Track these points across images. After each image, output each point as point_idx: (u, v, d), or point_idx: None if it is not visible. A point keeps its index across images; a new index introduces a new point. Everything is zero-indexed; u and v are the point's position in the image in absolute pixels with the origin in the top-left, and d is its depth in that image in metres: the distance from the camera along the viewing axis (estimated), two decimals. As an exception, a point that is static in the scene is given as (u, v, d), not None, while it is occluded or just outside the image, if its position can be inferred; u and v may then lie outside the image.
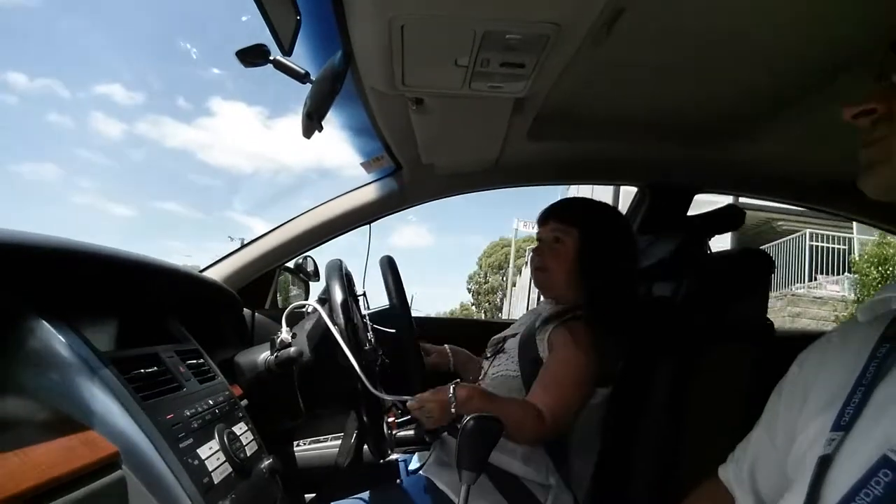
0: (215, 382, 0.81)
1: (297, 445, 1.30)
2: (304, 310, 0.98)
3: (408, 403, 0.84)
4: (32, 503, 0.44)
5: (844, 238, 7.39)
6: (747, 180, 1.29)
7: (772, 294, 7.09)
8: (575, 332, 0.89)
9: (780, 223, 8.15)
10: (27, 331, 0.56)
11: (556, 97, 0.85)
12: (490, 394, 0.86)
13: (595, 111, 1.02)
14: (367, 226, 1.29)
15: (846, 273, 6.96)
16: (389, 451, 0.88)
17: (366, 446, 0.89)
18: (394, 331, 1.00)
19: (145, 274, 0.82)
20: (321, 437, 1.33)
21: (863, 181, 0.44)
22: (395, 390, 0.86)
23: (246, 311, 1.25)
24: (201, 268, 1.25)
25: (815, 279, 7.24)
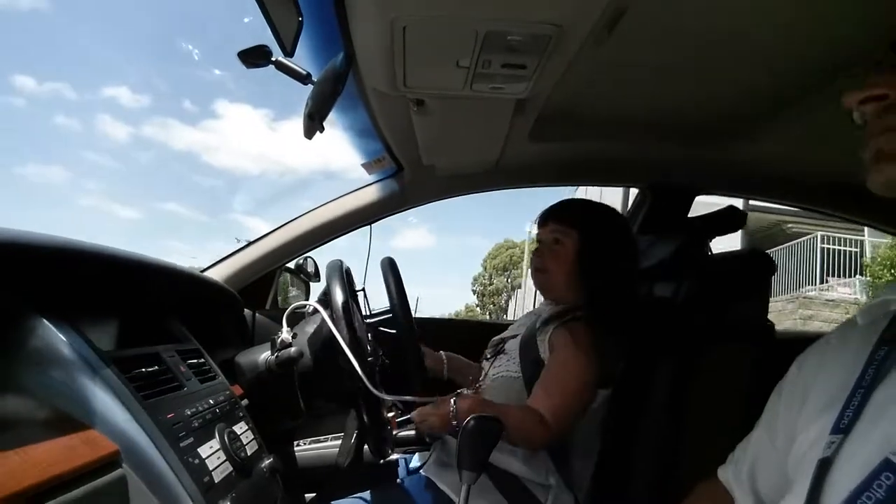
0: (216, 382, 0.81)
1: (298, 445, 1.30)
2: (304, 310, 0.98)
3: (411, 415, 0.84)
4: (33, 501, 0.44)
5: (855, 241, 7.33)
6: (748, 181, 1.29)
7: (783, 297, 7.05)
8: (575, 334, 0.89)
9: (789, 225, 8.11)
10: (28, 330, 0.56)
11: (558, 98, 0.86)
12: (492, 403, 0.85)
13: (596, 112, 1.02)
14: (368, 227, 1.30)
15: (858, 276, 6.94)
16: (389, 451, 0.88)
17: (366, 446, 0.89)
18: (394, 331, 1.00)
19: (146, 274, 0.82)
20: (321, 437, 1.33)
21: (872, 177, 0.41)
22: (395, 390, 0.86)
23: (246, 311, 1.25)
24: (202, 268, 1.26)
25: (827, 282, 7.20)
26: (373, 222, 1.29)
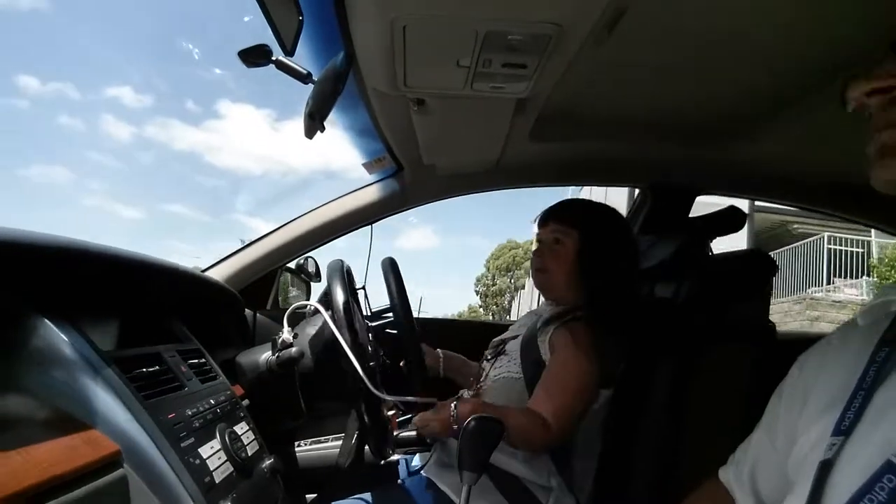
0: (217, 382, 0.82)
1: (299, 446, 1.30)
2: (305, 310, 0.99)
3: (412, 421, 0.84)
4: (34, 501, 0.44)
5: (862, 241, 7.30)
6: (748, 181, 1.29)
7: (790, 298, 7.02)
8: (576, 334, 0.89)
9: (795, 226, 8.10)
10: (30, 330, 0.56)
11: (558, 98, 0.86)
12: (493, 406, 0.85)
13: (596, 111, 1.02)
14: (369, 227, 1.30)
15: (865, 276, 6.91)
16: (390, 452, 0.88)
17: (367, 447, 0.89)
18: (395, 331, 1.00)
19: (147, 273, 0.82)
20: (322, 438, 1.33)
21: (877, 172, 0.40)
22: (395, 390, 0.86)
23: (247, 311, 1.25)
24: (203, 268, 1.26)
25: (833, 283, 7.17)
26: (373, 222, 1.29)
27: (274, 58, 0.74)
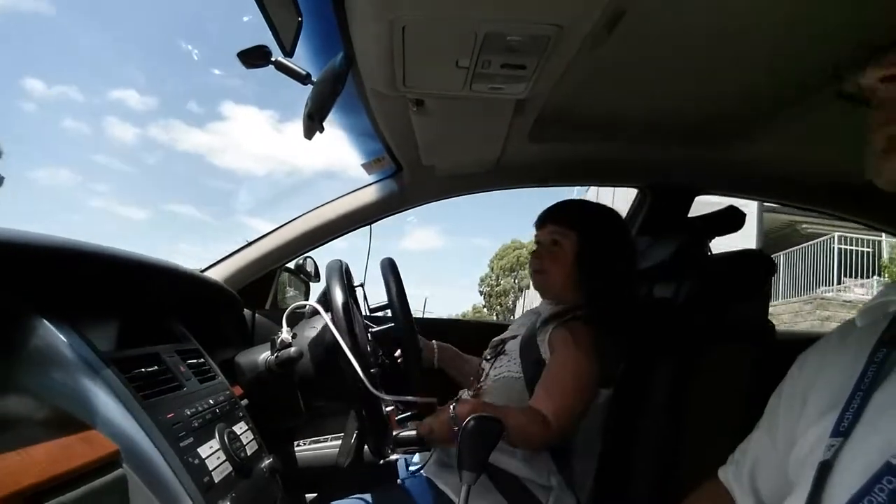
0: (216, 382, 0.82)
1: (298, 445, 1.30)
2: (304, 310, 0.99)
3: (416, 432, 0.84)
4: (33, 500, 0.44)
5: (871, 241, 7.25)
6: (748, 181, 1.29)
7: (800, 298, 6.98)
8: (575, 333, 0.89)
9: (804, 226, 8.06)
10: (29, 330, 0.56)
11: (557, 98, 0.86)
12: (493, 406, 0.85)
13: (596, 112, 1.02)
14: (368, 227, 1.30)
15: (875, 276, 6.89)
16: (389, 452, 0.88)
17: (366, 446, 0.89)
18: (392, 325, 1.00)
19: (146, 274, 0.82)
20: (321, 437, 1.33)
21: (883, 168, 0.39)
22: (395, 390, 0.86)
23: (246, 311, 1.25)
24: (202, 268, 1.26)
25: (843, 283, 7.14)
26: (373, 222, 1.29)
27: (273, 59, 0.74)
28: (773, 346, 0.97)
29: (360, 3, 0.60)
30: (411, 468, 1.02)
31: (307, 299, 1.36)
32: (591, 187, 5.10)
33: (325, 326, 0.83)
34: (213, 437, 0.69)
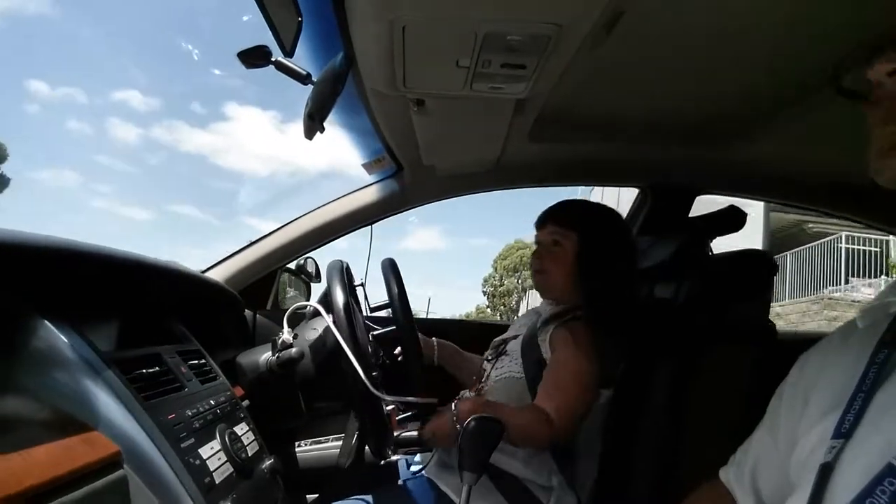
0: (217, 383, 0.82)
1: (299, 446, 1.30)
2: (305, 311, 0.99)
3: (420, 435, 0.84)
4: (34, 502, 0.44)
5: (878, 241, 7.19)
6: (748, 181, 1.29)
7: (808, 298, 6.93)
8: (576, 333, 0.89)
9: (810, 225, 8.03)
10: (30, 331, 0.56)
11: (557, 98, 0.86)
12: (494, 404, 0.85)
13: (596, 112, 1.02)
14: (369, 227, 1.30)
15: (883, 276, 6.84)
16: (390, 452, 0.88)
17: (367, 447, 0.89)
18: (393, 328, 1.00)
19: (147, 274, 0.82)
20: (322, 438, 1.33)
21: (881, 167, 0.39)
22: (395, 390, 0.86)
23: (247, 311, 1.25)
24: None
25: (850, 282, 7.09)
26: (373, 222, 1.29)
27: (273, 59, 0.74)
28: (773, 346, 0.97)
29: (360, 3, 0.60)
30: (413, 468, 1.02)
31: (308, 300, 1.36)
32: (597, 187, 5.09)
33: (326, 327, 0.83)
34: (214, 437, 0.69)
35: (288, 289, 1.45)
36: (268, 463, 0.77)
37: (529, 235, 1.08)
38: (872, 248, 7.20)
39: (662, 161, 1.21)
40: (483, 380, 1.00)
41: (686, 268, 1.06)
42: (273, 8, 0.61)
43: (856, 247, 7.26)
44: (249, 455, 0.74)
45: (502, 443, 0.68)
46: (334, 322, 0.80)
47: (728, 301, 0.99)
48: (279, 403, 0.91)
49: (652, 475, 0.95)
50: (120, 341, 0.69)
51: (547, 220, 0.99)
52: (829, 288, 7.19)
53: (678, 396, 0.95)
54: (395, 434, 0.85)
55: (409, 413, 0.85)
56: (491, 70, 0.69)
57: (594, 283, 0.94)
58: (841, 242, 7.27)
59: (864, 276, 7.13)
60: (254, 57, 0.73)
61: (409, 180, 1.23)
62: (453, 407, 0.82)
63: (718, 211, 1.15)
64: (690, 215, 1.29)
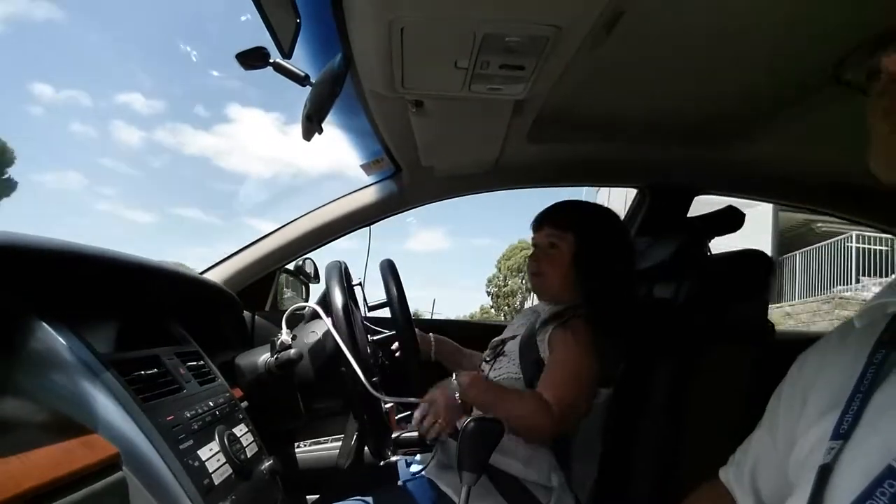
0: (215, 384, 0.82)
1: (298, 447, 1.30)
2: (303, 312, 0.99)
3: (415, 416, 0.83)
4: (33, 504, 0.44)
5: (889, 240, 7.05)
6: (748, 181, 1.29)
7: (818, 297, 6.88)
8: (575, 331, 0.89)
9: (818, 224, 7.96)
10: (28, 333, 0.56)
11: (556, 99, 0.86)
12: (498, 385, 0.85)
13: (595, 112, 1.02)
14: (368, 228, 1.30)
15: (894, 275, 6.83)
16: (389, 453, 0.88)
17: (366, 448, 0.89)
18: (393, 332, 1.00)
19: (145, 276, 0.82)
20: (321, 439, 1.33)
21: (886, 161, 0.39)
22: (394, 391, 0.86)
23: (246, 312, 1.25)
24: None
25: (860, 282, 7.02)
26: (372, 223, 1.29)
27: (272, 60, 0.74)
28: (773, 346, 0.97)
29: (358, 4, 0.60)
30: (413, 469, 1.02)
31: (307, 301, 1.36)
32: (602, 188, 5.07)
33: (325, 328, 0.83)
34: (212, 439, 0.69)
35: (286, 290, 1.45)
36: (267, 464, 0.77)
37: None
38: (883, 248, 7.13)
39: (662, 161, 1.21)
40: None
41: (685, 268, 1.06)
42: (271, 9, 0.60)
43: (866, 246, 7.18)
44: (248, 456, 0.74)
45: (502, 443, 0.68)
46: (333, 323, 0.80)
47: (727, 301, 0.99)
48: (278, 404, 0.91)
49: (652, 475, 0.95)
50: (118, 343, 0.69)
51: (543, 222, 0.99)
52: (839, 287, 7.13)
53: (678, 396, 0.95)
54: (395, 434, 0.85)
55: (407, 413, 0.85)
56: (489, 71, 0.69)
57: (592, 283, 0.94)
58: (851, 241, 7.20)
59: (874, 275, 7.04)
60: (252, 58, 0.73)
61: (408, 181, 1.23)
62: (454, 377, 0.82)
63: (717, 211, 1.15)
64: (689, 216, 1.30)
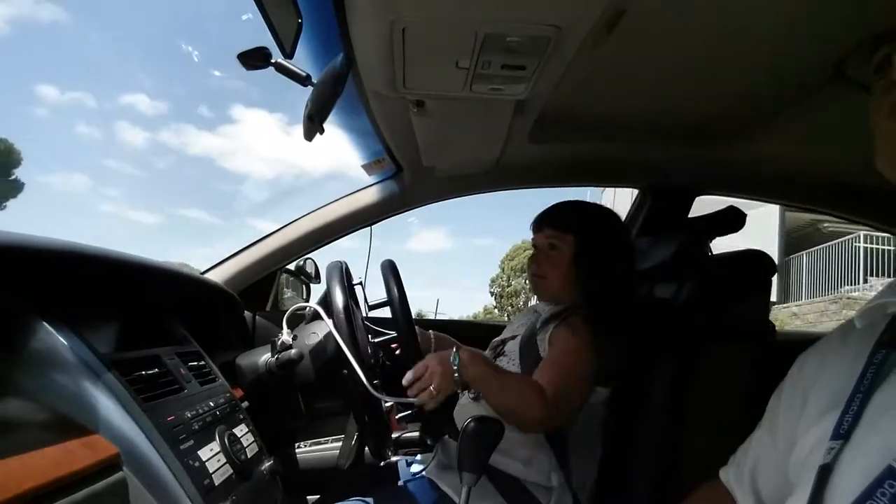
0: (216, 384, 0.82)
1: (298, 447, 1.30)
2: (304, 312, 0.98)
3: (405, 381, 0.82)
4: (34, 504, 0.44)
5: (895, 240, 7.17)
6: (748, 181, 1.29)
7: (826, 297, 6.86)
8: (575, 328, 0.89)
9: (825, 224, 7.92)
10: (29, 333, 0.56)
11: (557, 99, 0.86)
12: (495, 366, 0.85)
13: (595, 112, 1.02)
14: (369, 228, 1.30)
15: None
16: (390, 453, 0.88)
17: (367, 448, 0.89)
18: (394, 333, 1.00)
19: (146, 276, 0.82)
20: (322, 439, 1.33)
21: (890, 160, 0.38)
22: (395, 391, 0.86)
23: (247, 312, 1.25)
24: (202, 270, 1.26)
25: (868, 281, 6.96)
26: (373, 223, 1.29)
27: (273, 60, 0.74)
28: (773, 346, 0.97)
29: (360, 4, 0.60)
30: (413, 469, 1.02)
31: (307, 301, 1.36)
32: (608, 188, 5.06)
33: (326, 328, 0.83)
34: (213, 439, 0.69)
35: (286, 290, 1.45)
36: (267, 464, 0.77)
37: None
38: (891, 248, 7.08)
39: (662, 161, 1.21)
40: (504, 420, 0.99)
41: (686, 268, 1.06)
42: (272, 9, 0.60)
43: (874, 246, 7.14)
44: (249, 456, 0.74)
45: (502, 444, 0.68)
46: (334, 324, 0.80)
47: (728, 301, 0.99)
48: (279, 404, 0.91)
49: (652, 475, 0.95)
50: (119, 343, 0.69)
51: (543, 223, 0.99)
52: (847, 287, 7.09)
53: (678, 396, 0.95)
54: (395, 435, 0.85)
55: (408, 412, 0.85)
56: (491, 71, 0.69)
57: (592, 283, 0.94)
58: (859, 241, 7.15)
59: (883, 275, 6.99)
60: (254, 58, 0.73)
61: (409, 181, 1.23)
62: (454, 350, 0.81)
63: (718, 211, 1.15)
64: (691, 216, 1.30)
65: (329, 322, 0.81)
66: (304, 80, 0.77)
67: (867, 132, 0.42)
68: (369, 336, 0.98)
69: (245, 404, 0.88)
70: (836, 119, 0.87)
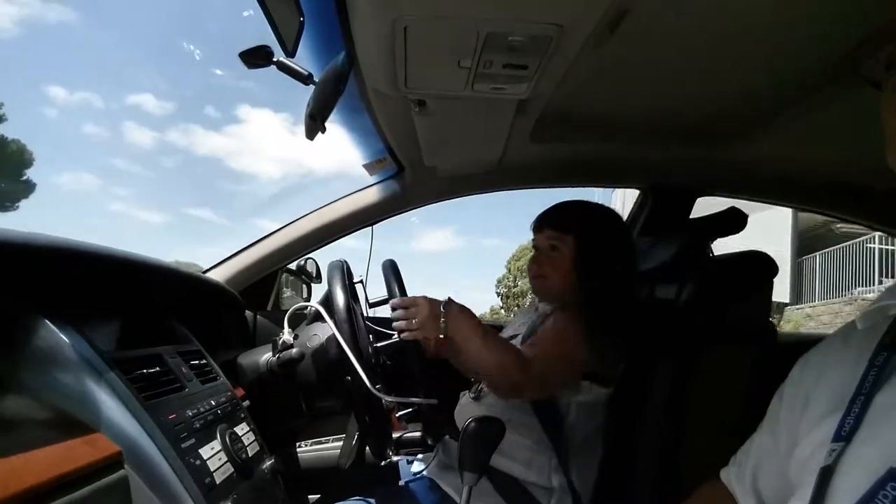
0: (217, 383, 0.82)
1: (300, 446, 1.30)
2: (305, 311, 0.99)
3: (391, 302, 0.83)
4: (35, 502, 0.44)
5: None
6: (748, 181, 1.29)
7: (840, 299, 6.83)
8: (572, 313, 0.89)
9: (838, 226, 7.84)
10: (31, 331, 0.56)
11: (559, 98, 0.86)
12: (485, 326, 0.85)
13: (597, 112, 1.02)
14: (370, 228, 1.30)
15: None
16: (390, 453, 0.88)
17: (367, 448, 0.89)
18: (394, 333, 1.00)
19: (148, 275, 0.82)
20: (323, 439, 1.33)
21: None
22: (395, 391, 0.86)
23: (248, 312, 1.25)
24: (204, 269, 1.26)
25: (881, 283, 6.88)
26: (375, 223, 1.29)
27: (275, 59, 0.74)
28: (773, 346, 0.97)
29: (361, 3, 0.60)
30: (414, 469, 1.02)
31: (309, 300, 1.36)
32: (617, 189, 5.05)
33: (326, 327, 0.83)
34: (214, 438, 0.69)
35: (287, 289, 1.45)
36: (268, 463, 0.77)
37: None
38: None
39: (663, 161, 1.21)
40: (483, 381, 1.00)
41: (687, 269, 1.06)
42: (274, 8, 0.61)
43: (889, 247, 7.04)
44: (250, 455, 0.74)
45: (503, 445, 0.68)
46: (335, 324, 0.80)
47: (728, 301, 0.99)
48: (280, 404, 0.91)
49: (652, 475, 0.95)
50: (121, 341, 0.69)
51: (543, 224, 0.99)
52: (861, 289, 7.02)
53: (678, 397, 0.95)
54: (396, 434, 0.85)
55: (408, 411, 0.85)
56: (492, 70, 0.69)
57: (592, 283, 0.94)
58: (873, 243, 7.07)
59: (890, 277, 6.92)
60: (255, 57, 0.73)
61: (411, 181, 1.23)
62: (447, 298, 0.82)
63: (719, 212, 1.15)
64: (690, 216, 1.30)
65: (330, 322, 0.81)
66: (305, 79, 0.77)
67: (867, 132, 0.42)
68: (370, 336, 0.98)
69: (246, 403, 0.88)
70: (836, 119, 0.87)
